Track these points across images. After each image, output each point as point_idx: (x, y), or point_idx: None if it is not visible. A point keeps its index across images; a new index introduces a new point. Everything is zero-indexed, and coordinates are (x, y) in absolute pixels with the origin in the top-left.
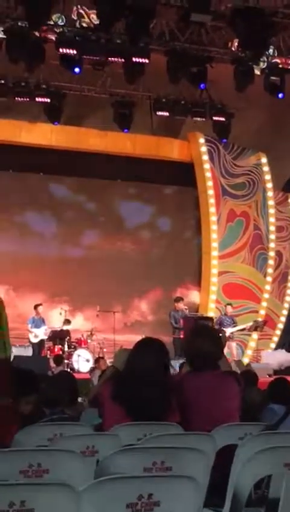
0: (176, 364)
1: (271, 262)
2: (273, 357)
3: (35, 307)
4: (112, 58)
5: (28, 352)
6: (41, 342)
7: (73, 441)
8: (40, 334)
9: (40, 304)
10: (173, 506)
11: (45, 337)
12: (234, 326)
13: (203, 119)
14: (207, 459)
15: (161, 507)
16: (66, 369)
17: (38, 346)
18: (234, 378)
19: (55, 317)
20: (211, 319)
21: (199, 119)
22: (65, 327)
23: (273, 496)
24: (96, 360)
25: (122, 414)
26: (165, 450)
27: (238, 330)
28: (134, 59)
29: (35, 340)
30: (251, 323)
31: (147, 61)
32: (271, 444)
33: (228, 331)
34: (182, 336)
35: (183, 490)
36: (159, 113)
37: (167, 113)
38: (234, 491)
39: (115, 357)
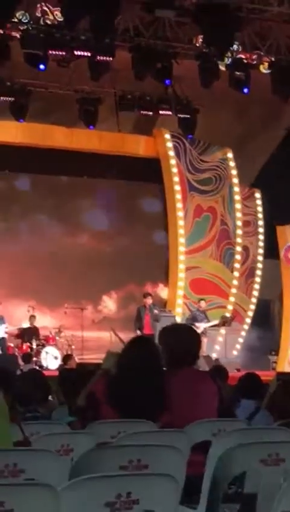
0: None
1: (238, 257)
2: None
3: None
4: (78, 52)
5: None
6: (2, 339)
7: (48, 440)
8: (0, 332)
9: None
10: (151, 504)
11: (5, 335)
12: (207, 322)
13: (170, 113)
14: (182, 456)
15: (140, 505)
16: (35, 367)
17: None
18: (210, 378)
19: (21, 314)
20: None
21: (167, 112)
22: (32, 324)
23: (248, 492)
24: (65, 358)
25: (116, 415)
26: (140, 447)
27: (211, 326)
28: (99, 57)
29: None
30: (218, 320)
31: (111, 59)
32: (245, 439)
33: (201, 326)
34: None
35: (162, 488)
36: (125, 109)
37: (132, 110)
38: (210, 488)
39: (104, 359)
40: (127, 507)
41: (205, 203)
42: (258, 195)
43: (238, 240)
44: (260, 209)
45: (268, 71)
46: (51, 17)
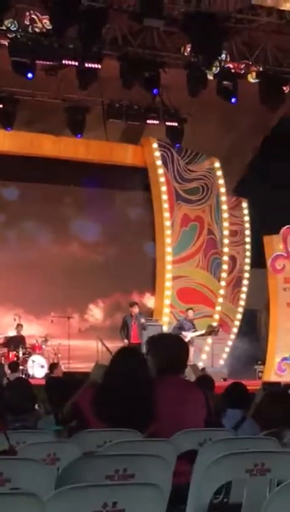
0: None
1: (225, 266)
2: None
3: None
4: (66, 61)
5: None
6: None
7: (34, 449)
8: None
9: None
10: None
11: None
12: (194, 331)
13: (157, 122)
14: (168, 466)
15: None
16: (21, 376)
17: None
18: (197, 387)
19: (7, 323)
20: None
21: (154, 121)
22: (19, 333)
23: (234, 502)
24: (52, 367)
25: (103, 425)
26: (126, 457)
27: (198, 335)
28: (87, 64)
29: None
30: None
31: (99, 66)
32: (231, 449)
33: (189, 335)
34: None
35: (148, 498)
36: (112, 118)
37: (120, 119)
38: (196, 498)
39: (92, 371)
40: None
41: (192, 212)
42: (245, 204)
43: (225, 250)
44: (247, 218)
45: (256, 81)
46: (39, 25)
